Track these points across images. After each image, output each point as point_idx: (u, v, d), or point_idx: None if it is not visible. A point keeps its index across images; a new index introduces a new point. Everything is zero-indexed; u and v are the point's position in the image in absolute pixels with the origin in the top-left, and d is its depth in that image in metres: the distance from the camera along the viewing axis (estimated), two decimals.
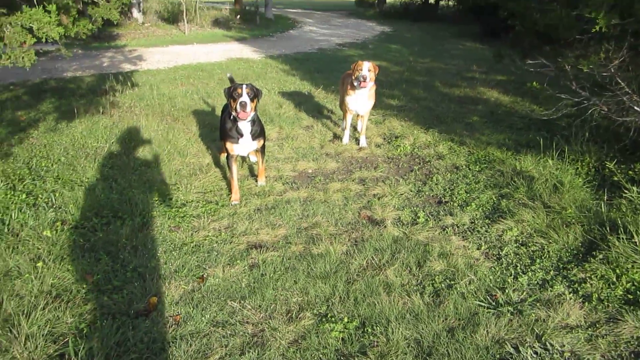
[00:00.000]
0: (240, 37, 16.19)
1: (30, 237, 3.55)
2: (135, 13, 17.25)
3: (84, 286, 3.08)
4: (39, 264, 3.20)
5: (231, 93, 4.16)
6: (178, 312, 2.93)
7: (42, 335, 2.61)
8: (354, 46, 15.29)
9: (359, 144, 5.99)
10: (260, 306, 3.03)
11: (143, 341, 2.68)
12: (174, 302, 3.02)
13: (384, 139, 6.28)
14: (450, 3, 27.39)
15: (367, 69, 5.41)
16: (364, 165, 5.39)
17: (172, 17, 18.30)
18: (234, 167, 4.42)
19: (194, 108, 7.05)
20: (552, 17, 5.48)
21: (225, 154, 4.59)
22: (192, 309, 2.96)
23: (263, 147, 4.58)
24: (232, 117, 4.26)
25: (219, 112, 6.83)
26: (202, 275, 3.30)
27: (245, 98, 4.08)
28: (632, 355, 2.69)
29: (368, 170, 5.25)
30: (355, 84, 5.48)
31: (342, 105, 5.98)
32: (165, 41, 14.46)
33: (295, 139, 6.11)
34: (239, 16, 20.23)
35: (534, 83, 5.97)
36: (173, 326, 2.82)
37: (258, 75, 9.61)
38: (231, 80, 5.00)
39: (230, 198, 4.42)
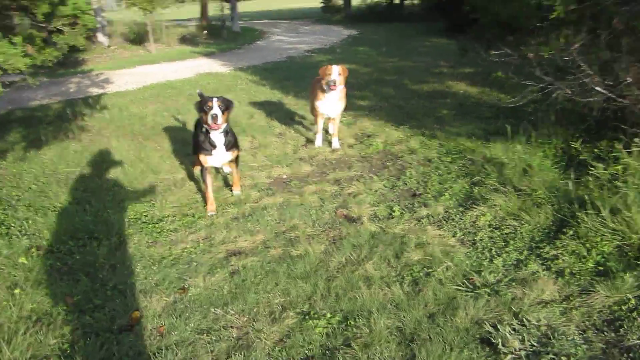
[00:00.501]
0: (208, 52, 16.20)
1: (5, 266, 3.53)
2: (101, 37, 17.16)
3: (65, 308, 3.08)
4: (17, 291, 3.18)
5: (202, 106, 4.21)
6: (162, 324, 2.94)
7: (25, 359, 2.61)
8: (323, 52, 15.40)
9: (331, 146, 6.05)
10: (243, 310, 3.06)
11: (128, 355, 2.70)
12: (156, 314, 3.03)
13: (356, 139, 6.36)
14: (415, 2, 27.77)
15: (336, 72, 5.48)
16: (338, 166, 5.45)
17: (138, 38, 18.22)
18: (209, 179, 4.44)
19: (164, 125, 7.05)
20: (513, 8, 5.64)
21: (200, 167, 4.61)
22: (175, 319, 2.98)
23: (237, 157, 4.61)
24: (204, 129, 4.29)
25: (189, 127, 6.84)
26: (184, 286, 3.32)
27: (216, 110, 4.12)
28: (605, 324, 2.78)
29: (342, 170, 5.31)
30: (325, 88, 5.54)
31: (313, 109, 6.04)
32: (133, 62, 14.40)
33: (268, 147, 6.16)
34: (205, 31, 20.25)
35: (499, 73, 6.10)
36: (157, 337, 2.83)
37: (228, 88, 9.64)
38: (201, 95, 5.03)
39: (206, 209, 4.44)
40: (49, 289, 3.25)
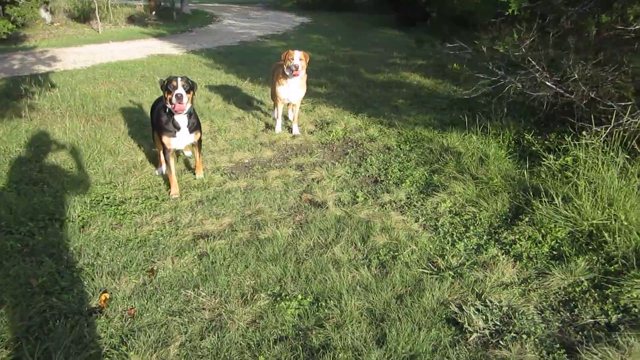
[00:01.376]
0: (159, 34, 15.77)
1: None
2: (43, 12, 16.36)
3: (29, 290, 3.00)
4: None
5: (166, 86, 4.12)
6: (132, 306, 2.92)
7: None
8: (276, 38, 15.31)
9: (291, 132, 6.08)
10: (214, 292, 3.07)
11: (100, 337, 2.66)
12: (126, 296, 3.00)
13: (316, 125, 6.41)
14: None
15: (298, 58, 5.49)
16: (300, 152, 5.49)
17: (83, 16, 17.47)
18: (172, 161, 4.39)
19: (119, 107, 6.86)
20: (470, 4, 5.82)
21: (162, 149, 4.54)
22: (145, 301, 2.96)
23: (200, 140, 4.57)
24: (167, 110, 4.22)
25: (146, 109, 6.71)
26: (152, 269, 3.29)
27: (181, 90, 4.06)
28: (561, 304, 2.98)
29: (304, 156, 5.35)
30: (287, 73, 5.54)
31: (274, 95, 6.03)
32: (79, 40, 13.84)
33: (227, 131, 6.12)
34: (154, 12, 19.66)
35: (455, 65, 6.28)
36: (129, 320, 2.81)
37: (182, 71, 9.45)
38: (161, 82, 4.95)
39: (169, 192, 4.39)
40: (11, 270, 3.15)
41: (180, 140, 4.33)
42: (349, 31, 16.83)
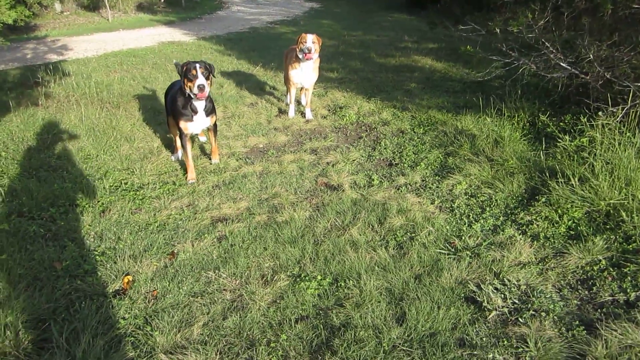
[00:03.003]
0: (168, 21, 15.77)
1: None
2: (56, 2, 16.41)
3: (54, 273, 3.06)
4: (3, 256, 3.13)
5: (186, 73, 4.13)
6: (155, 288, 2.97)
7: (21, 323, 2.59)
8: (286, 23, 15.25)
9: (304, 117, 6.09)
10: (234, 274, 3.11)
11: (125, 318, 2.72)
12: (148, 279, 3.05)
13: (329, 110, 6.41)
14: None
15: (311, 41, 5.47)
16: (314, 136, 5.51)
17: (92, 4, 17.50)
18: (188, 146, 4.42)
19: (132, 94, 6.90)
20: None
21: (178, 134, 4.58)
22: (168, 283, 3.01)
23: (215, 124, 4.60)
24: (186, 95, 4.24)
25: (159, 95, 6.75)
26: (173, 252, 3.34)
27: (202, 80, 4.09)
28: (579, 283, 2.99)
29: (318, 140, 5.37)
30: (300, 56, 5.53)
31: (287, 80, 6.03)
32: (89, 29, 13.89)
33: (241, 116, 6.14)
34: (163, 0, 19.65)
35: (468, 47, 6.24)
36: (152, 301, 2.86)
37: (193, 57, 9.45)
38: (177, 66, 4.95)
39: (186, 177, 4.44)
40: (36, 254, 3.21)
41: (198, 124, 4.37)
42: (358, 16, 16.73)
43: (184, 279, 3.06)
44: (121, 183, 4.30)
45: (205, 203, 4.02)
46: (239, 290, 2.98)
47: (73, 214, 3.76)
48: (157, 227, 3.66)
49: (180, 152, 4.77)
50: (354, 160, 4.80)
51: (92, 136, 5.24)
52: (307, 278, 3.04)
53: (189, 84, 4.13)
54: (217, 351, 2.51)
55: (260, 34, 13.04)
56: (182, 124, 4.34)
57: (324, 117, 6.13)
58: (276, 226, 3.63)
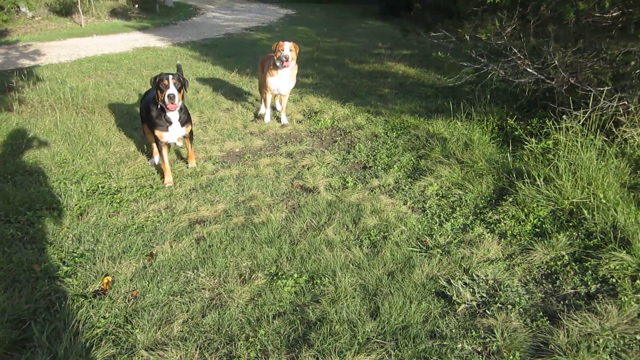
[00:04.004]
0: (142, 27, 15.71)
1: None
2: (23, 6, 16.19)
3: (33, 275, 3.09)
4: None
5: (157, 84, 4.20)
6: (134, 288, 3.02)
7: (1, 324, 2.62)
8: (261, 30, 15.34)
9: (280, 122, 6.18)
10: (213, 273, 3.19)
11: (105, 317, 2.77)
12: (128, 279, 3.10)
13: (304, 115, 6.52)
14: None
15: (288, 48, 5.56)
16: (289, 141, 5.61)
17: (64, 9, 17.34)
18: (164, 152, 4.47)
19: (108, 99, 6.89)
20: None
21: (154, 141, 4.63)
22: (147, 283, 3.06)
23: (191, 132, 4.66)
24: (159, 106, 4.31)
25: (134, 100, 6.77)
26: (151, 253, 3.39)
27: (172, 90, 4.15)
28: (543, 277, 3.15)
29: (293, 144, 5.47)
30: (278, 64, 5.62)
31: (263, 86, 6.11)
32: (62, 34, 13.75)
33: (217, 121, 6.20)
34: (137, 5, 19.54)
35: (440, 53, 6.42)
36: (132, 300, 2.92)
37: (168, 64, 9.48)
38: (179, 68, 5.01)
39: (163, 181, 4.48)
40: (14, 257, 3.23)
41: (172, 133, 4.42)
42: (333, 22, 16.92)
43: (163, 278, 3.12)
44: (98, 187, 4.32)
45: (183, 206, 4.08)
46: (217, 289, 3.05)
47: (50, 217, 3.78)
48: (136, 229, 3.70)
49: (157, 157, 4.82)
50: (328, 164, 4.91)
51: (68, 141, 5.24)
52: (284, 276, 3.13)
53: (161, 95, 4.20)
54: (197, 347, 2.58)
55: (236, 40, 13.11)
56: (158, 133, 4.40)
57: (300, 122, 6.24)
58: (253, 227, 3.71)
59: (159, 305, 2.88)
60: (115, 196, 4.18)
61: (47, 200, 4.00)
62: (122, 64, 9.48)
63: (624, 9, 4.52)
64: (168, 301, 2.93)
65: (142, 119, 4.74)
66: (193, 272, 3.19)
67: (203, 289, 3.05)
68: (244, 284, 3.08)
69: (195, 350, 2.56)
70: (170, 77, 4.19)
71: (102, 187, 4.32)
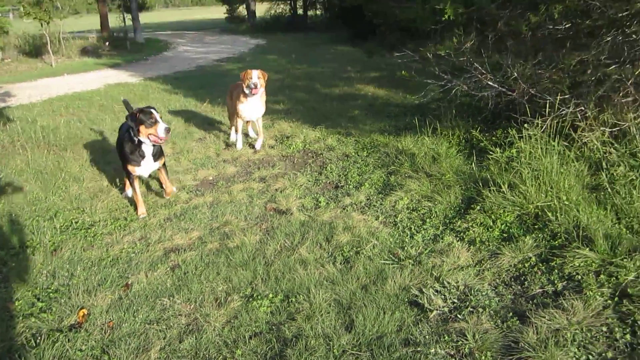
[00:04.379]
0: (113, 64, 15.79)
1: None
2: None
3: (7, 314, 3.08)
4: None
5: (142, 119, 4.22)
6: (110, 319, 3.03)
7: None
8: (232, 60, 15.53)
9: (254, 147, 6.25)
10: (189, 299, 3.21)
11: (82, 349, 2.77)
12: (104, 311, 3.11)
13: (276, 140, 6.61)
14: (318, 12, 28.54)
15: (256, 76, 5.70)
16: (262, 166, 5.68)
17: (34, 51, 17.38)
18: (136, 184, 4.50)
19: (80, 136, 6.92)
20: (410, 12, 6.15)
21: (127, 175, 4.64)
22: (123, 313, 3.07)
23: (164, 164, 4.69)
24: (135, 141, 4.33)
25: (107, 135, 6.80)
26: (127, 283, 3.40)
27: (165, 124, 4.27)
28: (512, 279, 3.23)
29: (266, 169, 5.54)
30: (247, 92, 5.73)
31: (233, 114, 6.20)
32: (32, 75, 13.77)
33: (190, 151, 6.26)
34: (107, 43, 19.66)
35: (404, 72, 6.59)
36: (108, 331, 2.92)
37: (141, 98, 9.55)
38: (126, 103, 5.02)
39: (137, 213, 4.50)
40: None
41: (145, 167, 4.46)
42: (303, 50, 17.20)
43: (139, 308, 3.13)
44: (72, 222, 4.33)
45: (158, 235, 4.10)
46: (193, 314, 3.07)
47: (24, 255, 3.77)
48: (110, 261, 3.71)
49: (130, 190, 4.83)
50: (301, 185, 4.98)
51: (40, 179, 5.24)
52: (259, 297, 3.17)
53: (148, 129, 4.23)
54: None
55: (207, 72, 13.25)
56: (130, 168, 4.43)
57: (272, 147, 6.32)
58: (228, 252, 3.75)
59: (135, 334, 2.89)
60: (89, 230, 4.19)
61: (20, 238, 4.00)
62: (93, 100, 9.52)
63: (571, 19, 4.73)
64: (145, 329, 2.94)
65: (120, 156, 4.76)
66: (169, 299, 3.21)
67: (179, 315, 3.07)
68: (219, 308, 3.11)
69: None
70: (154, 110, 4.27)
71: (76, 222, 4.32)
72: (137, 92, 10.23)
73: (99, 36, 21.05)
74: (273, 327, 2.92)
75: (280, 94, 9.29)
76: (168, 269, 3.59)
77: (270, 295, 3.18)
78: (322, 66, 12.91)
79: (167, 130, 4.23)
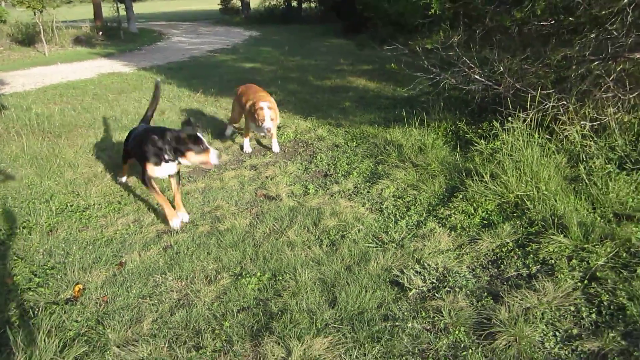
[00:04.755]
0: (107, 53, 15.82)
1: None
2: None
3: (5, 288, 3.21)
4: None
5: (189, 146, 3.94)
6: (105, 294, 3.17)
7: None
8: (226, 51, 15.61)
9: (272, 149, 5.94)
10: (180, 277, 3.35)
11: (77, 320, 2.91)
12: (98, 286, 3.25)
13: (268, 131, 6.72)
14: (312, 5, 28.60)
15: (269, 117, 5.26)
16: (253, 154, 5.82)
17: (27, 39, 17.37)
18: (156, 187, 4.19)
19: (74, 124, 7.01)
20: (399, 6, 6.32)
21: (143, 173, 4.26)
22: (117, 289, 3.22)
23: (179, 172, 4.36)
24: (166, 157, 4.03)
25: (101, 124, 6.90)
26: (121, 261, 3.54)
27: (214, 154, 3.98)
28: (489, 263, 3.40)
29: (257, 158, 5.68)
30: (258, 132, 5.52)
31: (236, 120, 6.17)
32: (26, 64, 13.79)
33: None
34: (101, 32, 19.66)
35: (393, 65, 6.74)
36: (103, 305, 3.07)
37: (134, 88, 9.64)
38: (157, 86, 5.22)
39: (169, 222, 4.08)
40: None
41: (164, 169, 4.15)
42: (296, 42, 17.28)
43: (133, 284, 3.28)
44: (67, 205, 4.45)
45: (150, 218, 4.23)
46: (184, 290, 3.22)
47: (21, 234, 3.89)
48: (105, 241, 3.85)
49: (125, 177, 4.93)
50: (291, 173, 5.13)
51: (35, 164, 5.35)
52: (247, 275, 3.32)
53: (198, 156, 3.94)
54: (166, 341, 2.74)
55: (201, 63, 13.33)
56: (150, 168, 4.08)
57: (264, 137, 6.44)
58: (218, 234, 3.89)
59: (129, 308, 3.04)
60: (84, 213, 4.32)
61: (16, 219, 4.11)
62: (87, 89, 9.60)
63: (554, 16, 4.88)
64: (138, 303, 3.08)
65: (129, 146, 4.61)
66: (161, 276, 3.35)
67: (171, 291, 3.22)
68: (210, 284, 3.26)
69: (165, 344, 2.72)
70: (201, 135, 4.01)
71: (71, 205, 4.45)
72: (130, 82, 10.31)
73: (92, 25, 21.02)
74: (260, 302, 3.07)
75: (273, 86, 9.40)
76: (161, 249, 3.73)
77: (259, 274, 3.33)
78: (315, 58, 13.01)
79: (219, 155, 4.05)
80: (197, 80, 10.28)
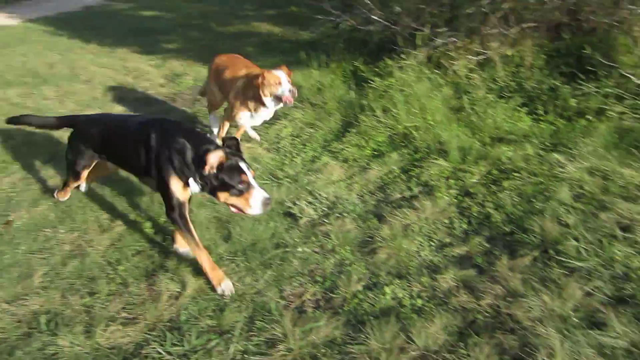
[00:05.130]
0: None
1: None
2: None
3: None
4: None
5: (224, 181, 2.63)
6: None
7: None
8: (122, 0, 14.74)
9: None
10: (73, 229, 3.31)
11: None
12: None
13: (167, 79, 6.57)
14: None
15: (286, 81, 4.00)
16: (149, 103, 5.69)
17: None
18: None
19: None
20: None
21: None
22: (4, 247, 3.12)
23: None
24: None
25: None
26: (8, 220, 3.42)
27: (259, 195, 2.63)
28: (377, 189, 3.61)
29: (153, 106, 5.58)
30: (270, 101, 4.04)
31: (215, 106, 4.82)
32: None
33: (76, 93, 6.08)
34: None
35: (293, 7, 6.71)
36: None
37: (21, 40, 8.98)
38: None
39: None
40: None
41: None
42: None
43: (21, 241, 3.19)
44: None
45: (40, 175, 4.08)
46: (77, 241, 3.19)
47: None
48: None
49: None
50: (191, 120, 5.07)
51: None
52: (142, 221, 3.33)
53: (234, 199, 2.65)
54: (60, 291, 2.74)
55: (95, 12, 12.53)
56: (177, 187, 2.81)
57: (162, 86, 6.29)
58: (112, 184, 3.83)
59: (17, 264, 2.98)
60: None
61: None
62: None
63: None
64: (27, 259, 3.03)
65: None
66: (52, 230, 3.29)
67: (63, 243, 3.17)
68: (103, 233, 3.24)
69: (58, 293, 2.71)
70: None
71: None
72: (16, 35, 9.57)
73: None
74: (155, 244, 3.11)
75: (173, 33, 9.09)
76: (51, 204, 3.63)
77: (154, 217, 3.34)
78: (219, 5, 12.59)
79: (268, 202, 2.65)
80: (92, 32, 9.70)
